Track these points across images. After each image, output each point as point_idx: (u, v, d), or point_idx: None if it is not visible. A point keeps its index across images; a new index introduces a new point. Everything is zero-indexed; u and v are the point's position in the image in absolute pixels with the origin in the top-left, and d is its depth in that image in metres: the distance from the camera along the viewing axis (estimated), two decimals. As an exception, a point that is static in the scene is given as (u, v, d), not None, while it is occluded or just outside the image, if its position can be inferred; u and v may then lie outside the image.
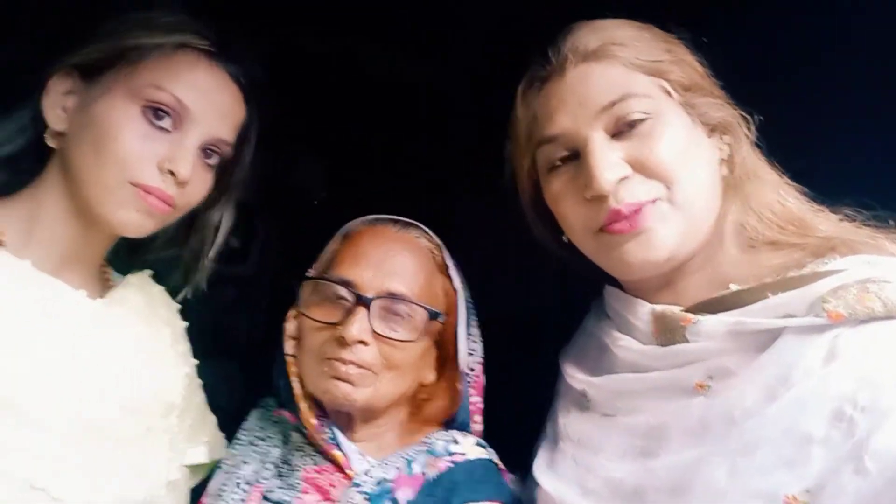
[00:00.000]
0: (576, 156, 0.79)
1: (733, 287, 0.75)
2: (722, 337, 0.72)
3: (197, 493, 0.97)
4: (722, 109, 0.80)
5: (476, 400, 1.02)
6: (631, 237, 0.76)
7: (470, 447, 0.95)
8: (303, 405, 0.93)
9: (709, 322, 0.73)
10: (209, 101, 0.86)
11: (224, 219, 1.00)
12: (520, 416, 1.02)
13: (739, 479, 0.65)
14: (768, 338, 0.69)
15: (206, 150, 0.88)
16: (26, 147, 0.88)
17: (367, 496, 0.87)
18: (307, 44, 1.31)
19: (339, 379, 0.88)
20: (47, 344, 0.78)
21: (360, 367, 0.88)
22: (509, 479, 0.94)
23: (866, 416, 0.61)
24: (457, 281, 1.00)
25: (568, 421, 0.88)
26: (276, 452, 0.96)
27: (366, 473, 0.89)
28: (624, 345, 0.82)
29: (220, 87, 0.88)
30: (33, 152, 0.87)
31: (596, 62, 0.78)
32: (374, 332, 0.89)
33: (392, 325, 0.90)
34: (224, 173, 0.95)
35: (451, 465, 0.91)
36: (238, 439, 1.00)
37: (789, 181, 0.81)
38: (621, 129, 0.77)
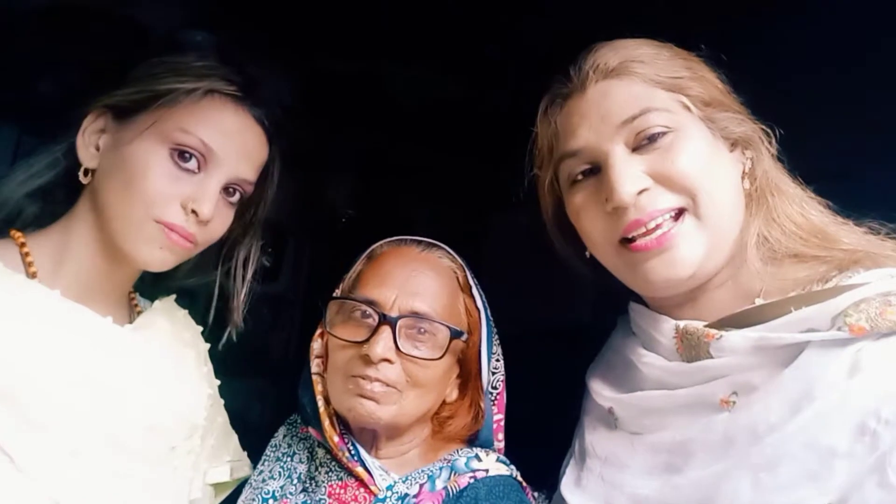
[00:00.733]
0: (597, 170, 0.81)
1: (758, 302, 0.75)
2: (746, 352, 0.72)
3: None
4: (743, 124, 0.81)
5: (499, 418, 1.03)
6: (655, 254, 0.76)
7: (492, 463, 0.96)
8: (326, 422, 0.95)
9: (733, 337, 0.73)
10: (233, 143, 0.90)
11: (252, 256, 1.04)
12: (544, 433, 1.03)
13: (763, 493, 0.66)
14: (792, 352, 0.70)
15: (229, 189, 0.92)
16: (59, 181, 0.92)
17: (391, 512, 0.89)
18: (339, 66, 1.35)
19: (364, 397, 0.90)
20: (75, 369, 0.81)
21: (384, 384, 0.90)
22: (532, 496, 0.95)
23: (890, 430, 0.61)
24: (479, 300, 1.02)
25: (595, 438, 0.89)
26: (302, 468, 0.99)
27: (389, 489, 0.91)
28: (649, 361, 0.82)
29: (245, 130, 0.92)
30: (66, 186, 0.92)
31: (617, 79, 0.80)
32: (399, 350, 0.91)
33: (416, 344, 0.92)
34: (247, 209, 0.99)
35: (473, 480, 0.92)
36: (266, 455, 1.03)
37: (812, 195, 0.81)
38: (641, 144, 0.78)
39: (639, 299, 0.89)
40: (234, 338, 1.06)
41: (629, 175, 0.76)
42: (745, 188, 0.81)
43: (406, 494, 0.90)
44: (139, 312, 0.97)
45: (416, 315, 0.93)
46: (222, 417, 1.08)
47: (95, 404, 0.82)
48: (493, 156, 1.35)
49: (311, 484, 0.95)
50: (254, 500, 0.96)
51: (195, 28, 1.15)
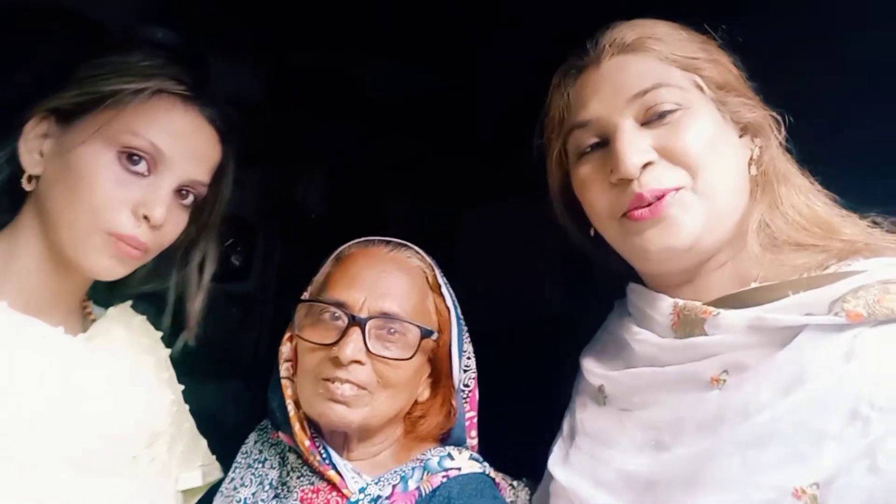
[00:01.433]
0: (605, 143, 0.80)
1: (754, 285, 0.76)
2: (741, 331, 0.72)
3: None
4: (754, 110, 0.81)
5: (471, 415, 1.03)
6: (652, 224, 0.76)
7: (464, 461, 0.96)
8: (296, 427, 0.94)
9: (729, 316, 0.73)
10: (184, 144, 0.87)
11: (207, 259, 1.01)
12: (522, 424, 1.03)
13: (751, 471, 0.66)
14: (787, 335, 0.70)
15: (182, 191, 0.89)
16: (2, 188, 0.88)
17: (364, 514, 0.88)
18: (310, 61, 1.33)
19: (334, 401, 0.89)
20: (25, 382, 0.79)
21: (355, 386, 0.90)
22: (510, 485, 0.95)
23: (883, 417, 0.61)
24: (449, 299, 1.01)
25: (585, 416, 0.89)
26: (273, 474, 0.98)
27: (361, 492, 0.90)
28: (642, 338, 0.83)
29: (196, 131, 0.89)
30: (9, 193, 0.88)
31: (633, 54, 0.80)
32: (369, 351, 0.90)
33: (386, 345, 0.92)
34: (201, 211, 0.96)
35: (446, 479, 0.92)
36: (237, 462, 1.01)
37: (820, 187, 0.81)
38: (651, 119, 0.78)
39: (638, 281, 0.89)
40: (192, 343, 1.04)
41: (636, 147, 0.76)
42: (752, 174, 0.81)
43: (379, 496, 0.90)
44: (93, 321, 0.95)
45: (385, 316, 0.92)
46: (189, 423, 1.06)
47: (51, 417, 0.79)
48: (466, 151, 1.35)
49: (282, 490, 0.94)
50: (225, 508, 0.95)
51: (155, 24, 1.12)
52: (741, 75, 0.82)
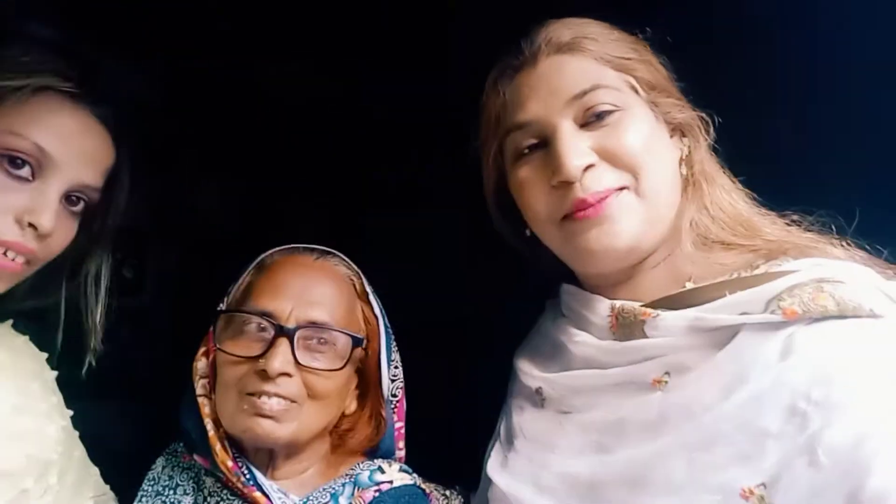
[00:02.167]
0: (544, 144, 0.80)
1: (689, 285, 0.77)
2: (681, 332, 0.73)
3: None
4: (684, 111, 0.83)
5: (399, 425, 1.01)
6: (595, 224, 0.76)
7: (395, 474, 0.94)
8: (218, 447, 0.88)
9: (668, 317, 0.74)
10: (73, 146, 0.81)
11: (103, 270, 0.94)
12: (451, 428, 1.03)
13: (697, 472, 0.67)
14: (726, 335, 0.71)
15: (71, 197, 0.83)
16: None
17: (294, 536, 0.84)
18: (210, 64, 1.26)
19: (261, 416, 0.84)
20: None
21: (285, 399, 0.85)
22: (440, 502, 0.94)
23: (819, 411, 0.62)
24: (376, 308, 0.99)
25: (522, 419, 0.88)
26: (187, 501, 0.90)
27: (292, 512, 0.86)
28: (580, 340, 0.82)
29: (86, 131, 0.83)
30: None
31: (569, 54, 0.80)
32: (298, 363, 0.86)
33: (315, 355, 0.88)
34: (93, 219, 0.89)
35: (378, 493, 0.90)
36: (144, 490, 0.93)
37: (740, 186, 0.84)
38: (589, 120, 0.78)
39: (572, 282, 0.89)
40: (94, 361, 0.95)
41: (577, 149, 0.76)
42: (683, 174, 0.83)
43: (310, 516, 0.86)
44: None
45: (314, 325, 0.88)
46: (79, 451, 0.97)
47: None
48: (365, 156, 1.33)
49: (201, 517, 0.87)
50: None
51: (39, 19, 1.01)
52: (670, 75, 0.85)
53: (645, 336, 0.76)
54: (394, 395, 1.00)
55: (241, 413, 0.85)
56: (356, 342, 0.92)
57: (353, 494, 0.90)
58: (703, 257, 0.78)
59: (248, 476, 0.88)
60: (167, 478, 0.94)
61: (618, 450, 0.74)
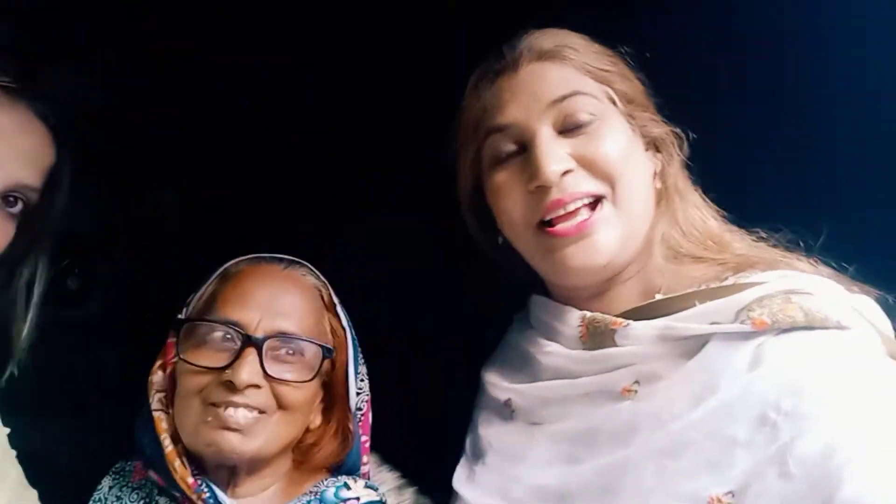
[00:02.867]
0: (522, 150, 0.80)
1: (658, 296, 0.78)
2: (651, 341, 0.73)
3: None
4: (659, 126, 0.85)
5: (364, 440, 0.98)
6: (573, 241, 0.76)
7: (361, 490, 0.92)
8: (177, 463, 0.83)
9: (638, 326, 0.74)
10: (9, 144, 0.78)
11: (38, 277, 0.90)
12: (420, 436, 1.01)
13: (666, 480, 0.67)
14: (696, 345, 0.71)
15: (8, 198, 0.79)
16: None
17: (257, 556, 0.80)
18: (167, 64, 1.21)
19: (227, 429, 0.80)
20: None
21: (253, 410, 0.82)
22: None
23: (790, 422, 0.62)
24: (344, 319, 0.97)
25: (490, 432, 0.87)
26: (138, 522, 0.85)
27: (256, 532, 0.82)
28: (550, 350, 0.82)
29: (23, 128, 0.80)
30: None
31: (550, 62, 0.81)
32: (266, 374, 0.83)
33: (285, 367, 0.85)
34: (31, 221, 0.85)
35: (344, 511, 0.87)
36: (90, 512, 0.87)
37: (710, 203, 0.86)
38: (568, 128, 0.79)
39: (541, 292, 0.89)
40: (16, 371, 0.90)
41: (555, 155, 0.76)
42: (657, 187, 0.84)
43: (274, 535, 0.82)
44: None
45: (283, 335, 0.86)
46: (16, 471, 0.91)
47: None
48: (331, 161, 1.31)
49: (155, 538, 0.82)
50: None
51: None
52: (646, 91, 0.87)
53: (615, 345, 0.76)
54: (359, 409, 0.98)
55: (205, 425, 0.81)
56: (326, 353, 0.89)
57: (318, 512, 0.87)
58: (674, 270, 0.79)
59: (208, 494, 0.83)
60: (114, 498, 0.89)
61: (588, 459, 0.74)
